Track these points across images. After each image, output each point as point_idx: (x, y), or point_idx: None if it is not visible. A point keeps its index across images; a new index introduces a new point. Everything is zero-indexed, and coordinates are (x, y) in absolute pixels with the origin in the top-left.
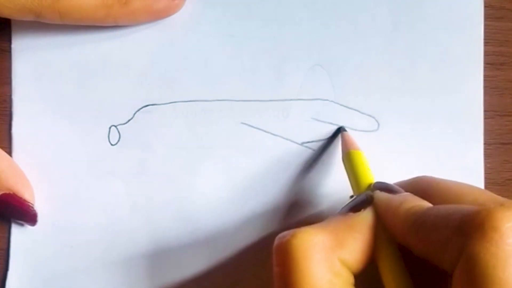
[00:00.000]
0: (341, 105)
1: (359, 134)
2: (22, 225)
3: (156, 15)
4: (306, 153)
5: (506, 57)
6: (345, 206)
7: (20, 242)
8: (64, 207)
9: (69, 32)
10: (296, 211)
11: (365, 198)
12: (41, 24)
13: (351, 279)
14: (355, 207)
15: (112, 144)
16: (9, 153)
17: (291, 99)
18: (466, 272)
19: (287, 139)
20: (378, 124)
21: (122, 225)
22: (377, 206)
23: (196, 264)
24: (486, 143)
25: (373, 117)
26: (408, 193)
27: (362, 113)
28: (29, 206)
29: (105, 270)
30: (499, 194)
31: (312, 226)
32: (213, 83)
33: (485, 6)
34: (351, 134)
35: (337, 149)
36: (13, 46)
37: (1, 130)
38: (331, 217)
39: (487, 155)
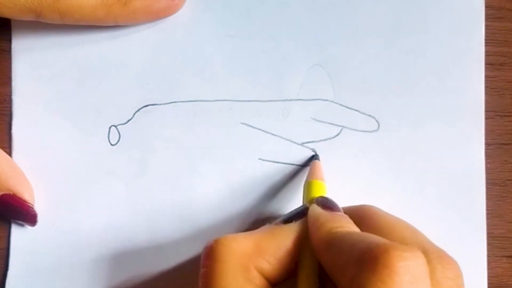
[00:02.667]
0: (341, 105)
1: (359, 134)
2: (22, 225)
3: (156, 15)
4: (306, 153)
5: (506, 58)
6: (278, 218)
7: (20, 242)
8: (64, 207)
9: (69, 32)
10: None
11: (300, 210)
12: (41, 24)
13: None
14: (289, 218)
15: (112, 144)
16: (9, 153)
17: (291, 99)
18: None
19: (287, 139)
20: (378, 124)
21: (122, 225)
22: (308, 218)
23: (196, 264)
24: (486, 144)
25: (373, 117)
26: (342, 214)
27: (362, 113)
28: (29, 206)
29: (105, 270)
30: (499, 194)
31: (240, 233)
32: (213, 83)
33: (485, 6)
34: (321, 165)
35: (337, 149)
36: (13, 46)
37: (1, 130)
38: (264, 226)
39: (487, 156)
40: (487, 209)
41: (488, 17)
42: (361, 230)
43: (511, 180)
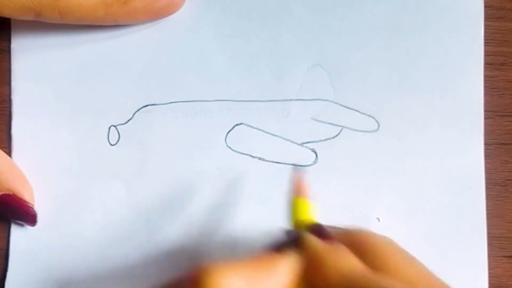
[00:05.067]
0: (341, 105)
1: (359, 135)
2: (22, 225)
3: (156, 14)
4: (306, 153)
5: (506, 57)
6: (271, 242)
7: (20, 242)
8: (63, 207)
9: (69, 32)
10: None
11: (293, 239)
12: (41, 24)
13: None
14: (280, 246)
15: (111, 144)
16: (9, 153)
17: (291, 99)
18: None
19: (287, 139)
20: (378, 125)
21: (121, 225)
22: (306, 251)
23: (196, 264)
24: (486, 144)
25: (373, 117)
26: (341, 246)
27: (362, 113)
28: (28, 206)
29: (105, 270)
30: (499, 194)
31: (229, 263)
32: (213, 83)
33: (485, 6)
34: (302, 177)
35: (337, 149)
36: (12, 46)
37: (1, 130)
38: (254, 253)
39: (487, 155)
40: (487, 209)
41: (487, 17)
42: (358, 257)
43: (511, 180)
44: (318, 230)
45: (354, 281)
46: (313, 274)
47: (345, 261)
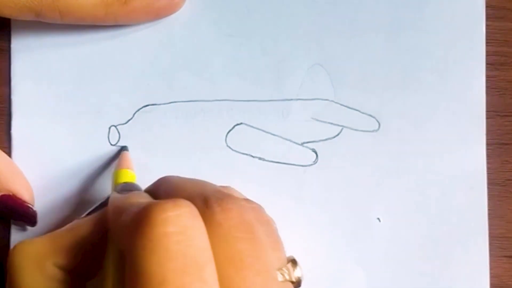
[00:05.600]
0: (341, 105)
1: (360, 134)
2: (22, 225)
3: (156, 14)
4: (306, 153)
5: (506, 57)
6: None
7: None
8: (64, 207)
9: (69, 32)
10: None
11: (103, 201)
12: (41, 24)
13: (73, 283)
14: (92, 211)
15: (112, 144)
16: (9, 153)
17: (291, 99)
18: (126, 264)
19: (287, 139)
20: (379, 124)
21: None
22: (108, 206)
23: None
24: (486, 143)
25: (374, 117)
26: (137, 192)
27: (363, 113)
28: (28, 207)
29: None
30: (499, 194)
31: (38, 236)
32: (213, 83)
33: (485, 6)
34: (129, 155)
35: (338, 149)
36: (12, 46)
37: (0, 130)
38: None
39: (487, 155)
40: (487, 209)
41: (488, 17)
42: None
43: (511, 180)
44: (122, 187)
45: (128, 210)
46: (109, 222)
47: (133, 200)
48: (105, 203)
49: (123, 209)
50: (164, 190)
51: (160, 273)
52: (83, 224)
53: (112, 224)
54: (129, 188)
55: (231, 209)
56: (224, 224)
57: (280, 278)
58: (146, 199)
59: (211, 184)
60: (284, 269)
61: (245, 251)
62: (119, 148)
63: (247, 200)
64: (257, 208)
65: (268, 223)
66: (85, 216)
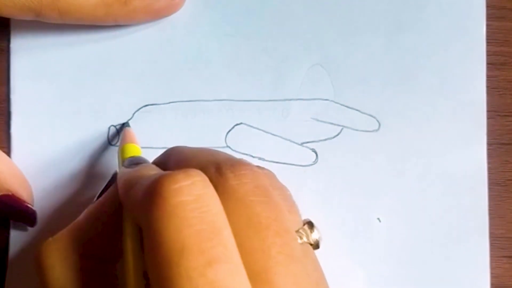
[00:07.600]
0: (341, 105)
1: (360, 134)
2: (22, 225)
3: (156, 14)
4: (306, 153)
5: (507, 57)
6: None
7: (20, 242)
8: (63, 207)
9: (69, 32)
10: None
11: (110, 179)
12: (40, 24)
13: (102, 269)
14: (102, 191)
15: (111, 144)
16: (8, 153)
17: (291, 99)
18: (144, 237)
19: (287, 139)
20: (379, 124)
21: None
22: (117, 182)
23: None
24: (487, 143)
25: (374, 117)
26: (146, 165)
27: (363, 113)
28: (28, 207)
29: None
30: (499, 194)
31: (58, 233)
32: (213, 83)
33: (486, 6)
34: (132, 131)
35: (338, 149)
36: (12, 45)
37: (0, 130)
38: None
39: (488, 155)
40: (487, 209)
41: (489, 17)
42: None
43: (511, 180)
44: (130, 161)
45: (139, 183)
46: (120, 197)
47: (143, 172)
48: (112, 181)
49: (134, 183)
50: (174, 161)
51: (179, 240)
52: (96, 208)
53: (124, 198)
54: (136, 161)
55: (245, 175)
56: (239, 189)
57: (298, 240)
58: (155, 170)
59: (222, 152)
60: (301, 231)
61: (262, 213)
62: (118, 147)
63: (259, 166)
64: (270, 174)
65: (282, 189)
66: (96, 200)
